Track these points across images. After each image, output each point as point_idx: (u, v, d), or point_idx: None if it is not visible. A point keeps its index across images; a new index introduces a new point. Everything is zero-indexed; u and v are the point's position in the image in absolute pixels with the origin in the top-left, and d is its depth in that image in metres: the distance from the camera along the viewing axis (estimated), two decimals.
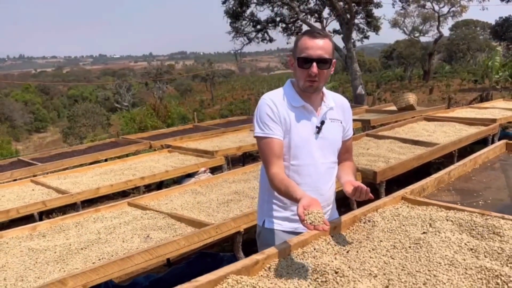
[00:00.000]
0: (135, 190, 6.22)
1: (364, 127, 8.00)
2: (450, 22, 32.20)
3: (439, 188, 2.47)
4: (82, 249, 2.80)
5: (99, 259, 2.61)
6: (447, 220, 1.85)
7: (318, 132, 1.79)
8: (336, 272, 1.39)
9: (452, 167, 2.64)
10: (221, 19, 16.92)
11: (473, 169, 2.79)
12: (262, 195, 1.90)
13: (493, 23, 30.56)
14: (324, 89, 1.86)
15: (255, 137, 1.78)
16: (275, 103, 1.77)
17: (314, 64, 1.69)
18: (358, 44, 18.37)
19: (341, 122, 1.87)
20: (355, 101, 15.03)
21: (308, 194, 1.57)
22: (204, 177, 5.07)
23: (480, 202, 2.27)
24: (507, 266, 1.45)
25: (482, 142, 5.81)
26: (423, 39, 33.65)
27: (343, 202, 3.47)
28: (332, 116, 1.84)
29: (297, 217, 1.80)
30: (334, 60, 1.77)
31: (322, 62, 1.70)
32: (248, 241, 3.24)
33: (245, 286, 1.36)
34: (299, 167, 1.79)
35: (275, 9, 16.70)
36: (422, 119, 6.89)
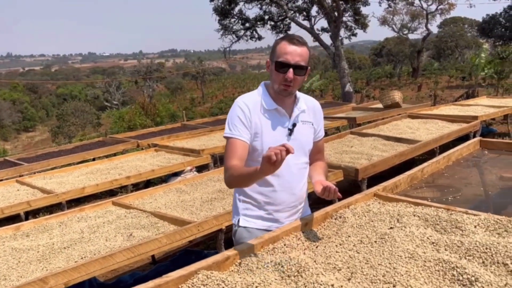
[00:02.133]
0: (123, 189, 6.25)
1: (350, 125, 8.11)
2: (438, 19, 32.47)
3: (412, 185, 2.55)
4: (65, 248, 2.84)
5: (82, 258, 2.66)
6: (414, 215, 1.93)
7: (290, 134, 1.86)
8: (301, 266, 1.46)
9: (425, 164, 2.72)
10: (211, 16, 16.94)
11: (446, 166, 2.87)
12: (237, 195, 1.96)
13: (481, 20, 30.94)
14: (297, 92, 1.92)
15: (224, 137, 1.84)
16: (248, 106, 1.82)
17: (291, 69, 1.74)
18: (347, 41, 18.51)
19: (312, 124, 1.94)
20: (344, 98, 15.14)
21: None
22: (190, 176, 5.12)
23: (450, 198, 2.35)
24: (465, 258, 1.53)
25: (465, 139, 5.94)
26: (411, 36, 33.94)
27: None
28: (303, 119, 1.90)
29: (270, 216, 1.88)
30: (309, 68, 1.83)
31: (299, 68, 1.76)
32: (231, 238, 3.30)
33: (215, 281, 1.42)
34: None
35: (264, 7, 16.76)
36: (406, 116, 7.00)
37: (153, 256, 4.18)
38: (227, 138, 1.82)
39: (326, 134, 8.65)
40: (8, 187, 4.79)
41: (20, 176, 5.51)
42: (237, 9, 16.93)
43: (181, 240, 2.88)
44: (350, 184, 4.57)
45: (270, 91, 1.88)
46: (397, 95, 8.69)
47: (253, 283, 1.38)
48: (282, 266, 1.49)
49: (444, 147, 5.64)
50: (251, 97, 1.88)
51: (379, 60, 42.39)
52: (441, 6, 27.65)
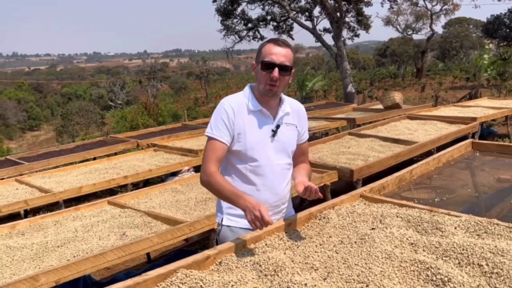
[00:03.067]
0: (123, 189, 6.30)
1: (350, 125, 8.12)
2: (443, 20, 32.39)
3: (400, 186, 2.57)
4: (58, 247, 2.88)
5: (74, 256, 2.69)
6: (397, 216, 1.95)
7: (273, 136, 1.90)
8: (278, 266, 1.49)
9: (414, 165, 2.74)
10: (213, 17, 17.00)
11: (436, 167, 2.89)
12: None
13: (485, 21, 30.80)
14: (282, 95, 1.97)
15: (206, 135, 1.89)
16: (233, 108, 1.87)
17: (276, 69, 1.80)
18: (350, 42, 18.49)
19: (296, 127, 1.99)
20: (346, 99, 15.14)
21: (250, 198, 1.73)
22: (187, 175, 5.16)
23: (436, 200, 2.37)
24: (442, 259, 1.55)
25: (463, 140, 5.93)
26: (416, 37, 33.88)
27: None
28: (287, 121, 1.95)
29: None
30: (293, 70, 1.89)
31: (284, 69, 1.82)
32: None
33: (193, 279, 1.45)
34: (256, 167, 1.90)
35: (266, 7, 16.80)
36: (405, 117, 7.00)
37: (148, 255, 4.22)
38: (208, 137, 1.87)
39: (326, 135, 8.72)
40: (7, 186, 4.84)
41: (20, 175, 5.57)
42: (239, 9, 17.00)
43: (173, 240, 2.91)
44: (348, 185, 4.59)
45: (255, 93, 1.92)
46: (397, 96, 8.69)
47: (230, 282, 1.41)
48: (260, 265, 1.51)
49: (442, 149, 5.65)
50: (237, 98, 1.93)
51: (383, 61, 42.30)
52: (445, 7, 27.59)
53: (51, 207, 5.78)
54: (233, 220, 1.95)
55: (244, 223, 1.93)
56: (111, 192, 6.49)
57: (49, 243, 2.94)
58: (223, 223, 1.97)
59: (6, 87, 49.97)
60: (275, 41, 1.85)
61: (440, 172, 2.84)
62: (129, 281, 1.40)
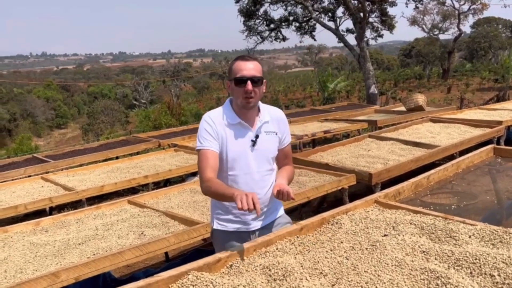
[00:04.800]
0: (144, 188, 6.42)
1: (371, 128, 8.04)
2: (471, 19, 31.56)
3: (416, 192, 2.55)
4: (79, 244, 2.97)
5: (94, 254, 2.78)
6: (411, 223, 1.94)
7: (253, 145, 1.99)
8: (287, 271, 1.50)
9: (432, 171, 2.70)
10: (236, 18, 17.08)
11: (455, 173, 2.84)
12: (212, 200, 2.11)
13: None
14: (261, 104, 2.06)
15: (196, 150, 2.00)
16: (213, 121, 1.98)
17: (249, 82, 1.91)
18: (374, 42, 18.26)
19: (276, 134, 2.06)
20: (368, 100, 14.96)
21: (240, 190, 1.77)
22: None
23: (453, 207, 2.34)
24: (454, 268, 1.53)
25: (488, 145, 5.79)
26: (442, 37, 33.09)
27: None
28: (267, 129, 2.04)
29: (238, 219, 2.04)
30: (265, 80, 2.00)
31: (255, 81, 1.93)
32: None
33: (203, 281, 1.48)
34: (236, 176, 2.00)
35: (289, 8, 16.76)
36: (428, 120, 6.89)
37: (166, 254, 4.30)
38: (198, 150, 1.97)
39: (347, 137, 8.64)
40: (34, 183, 5.01)
41: (46, 172, 5.75)
42: (262, 10, 17.02)
43: (189, 240, 2.96)
44: (369, 189, 4.55)
45: (234, 107, 2.03)
46: (420, 98, 8.55)
47: (239, 286, 1.44)
48: (269, 270, 1.53)
49: (465, 153, 5.53)
50: (216, 113, 2.03)
51: (408, 61, 41.58)
52: (473, 6, 26.88)
53: (75, 205, 5.96)
54: (221, 224, 2.06)
55: (231, 226, 2.04)
56: (133, 190, 6.63)
57: (71, 241, 3.04)
58: (214, 226, 2.09)
59: (36, 86, 51.48)
60: (242, 58, 1.98)
61: (460, 177, 2.79)
62: (141, 282, 1.44)
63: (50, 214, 4.82)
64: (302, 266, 1.58)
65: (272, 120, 2.05)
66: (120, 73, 74.36)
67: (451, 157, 5.35)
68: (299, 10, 16.82)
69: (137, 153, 7.27)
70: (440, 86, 26.28)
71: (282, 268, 1.52)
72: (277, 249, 1.75)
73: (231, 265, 1.63)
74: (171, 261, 4.10)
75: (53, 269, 2.49)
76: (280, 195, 1.82)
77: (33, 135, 33.19)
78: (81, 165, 6.28)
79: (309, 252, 1.74)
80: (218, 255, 1.65)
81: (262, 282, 1.48)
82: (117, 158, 6.91)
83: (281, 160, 2.12)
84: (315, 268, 1.57)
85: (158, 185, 6.87)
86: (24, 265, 2.69)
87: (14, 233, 3.24)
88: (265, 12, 17.06)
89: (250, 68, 1.93)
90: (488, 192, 2.58)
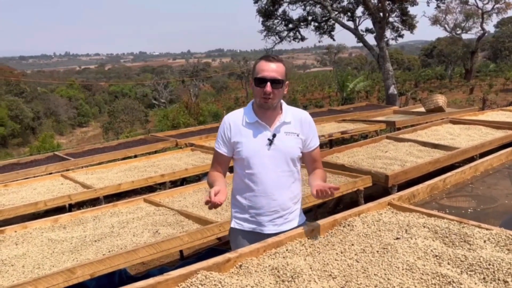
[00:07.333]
0: (162, 186, 6.50)
1: (390, 129, 7.93)
2: (495, 19, 30.87)
3: (431, 195, 2.50)
4: (95, 241, 3.03)
5: (109, 251, 2.82)
6: (424, 227, 1.91)
7: (270, 144, 2.00)
8: (296, 272, 1.50)
9: (448, 174, 2.65)
10: (254, 18, 17.10)
11: (473, 176, 2.78)
12: (232, 199, 2.18)
13: None
14: (284, 106, 2.08)
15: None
16: (230, 123, 2.07)
17: (268, 83, 1.93)
18: (394, 42, 18.00)
19: (297, 135, 2.05)
20: (387, 101, 14.78)
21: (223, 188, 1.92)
22: None
23: (470, 210, 2.29)
24: (466, 273, 1.50)
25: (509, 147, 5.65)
26: (465, 36, 32.42)
27: None
28: (287, 130, 2.04)
29: (253, 219, 2.07)
30: (287, 82, 2.02)
31: (276, 82, 1.95)
32: None
33: (212, 281, 1.49)
34: (252, 175, 2.02)
35: (307, 7, 16.69)
36: (447, 121, 6.75)
37: (181, 252, 4.34)
38: (215, 149, 2.14)
39: (365, 137, 8.54)
40: (54, 181, 5.13)
41: (66, 170, 5.88)
42: (280, 10, 16.99)
43: (203, 239, 2.98)
44: (385, 191, 4.49)
45: (254, 106, 2.06)
46: (440, 99, 8.39)
47: (247, 286, 1.44)
48: (278, 271, 1.53)
49: (486, 156, 5.40)
50: (237, 113, 2.12)
51: (429, 61, 40.92)
52: (497, 5, 26.27)
53: (93, 202, 6.07)
54: (238, 223, 2.10)
55: (247, 226, 2.07)
56: (150, 189, 6.71)
57: (87, 238, 3.09)
58: (232, 225, 2.13)
59: (59, 85, 52.63)
60: (266, 58, 1.99)
61: (480, 180, 2.73)
62: (151, 280, 1.46)
63: (70, 211, 4.93)
64: (311, 268, 1.57)
65: (294, 121, 2.06)
66: (140, 73, 75.36)
67: (471, 160, 5.24)
68: (318, 9, 16.76)
69: (155, 152, 7.36)
70: (463, 87, 25.77)
71: (291, 270, 1.52)
72: (287, 250, 1.74)
73: (240, 265, 1.63)
74: (185, 259, 4.14)
75: (69, 265, 2.54)
76: (321, 193, 1.82)
77: (55, 133, 33.97)
78: (100, 163, 6.39)
79: (319, 254, 1.73)
80: (227, 255, 1.65)
81: (270, 283, 1.48)
82: (135, 156, 7.00)
83: (310, 164, 2.12)
84: (324, 270, 1.56)
85: (175, 183, 6.93)
86: (41, 260, 2.75)
87: (33, 229, 3.32)
88: (284, 12, 17.04)
89: (272, 69, 1.94)
90: (509, 196, 2.52)
